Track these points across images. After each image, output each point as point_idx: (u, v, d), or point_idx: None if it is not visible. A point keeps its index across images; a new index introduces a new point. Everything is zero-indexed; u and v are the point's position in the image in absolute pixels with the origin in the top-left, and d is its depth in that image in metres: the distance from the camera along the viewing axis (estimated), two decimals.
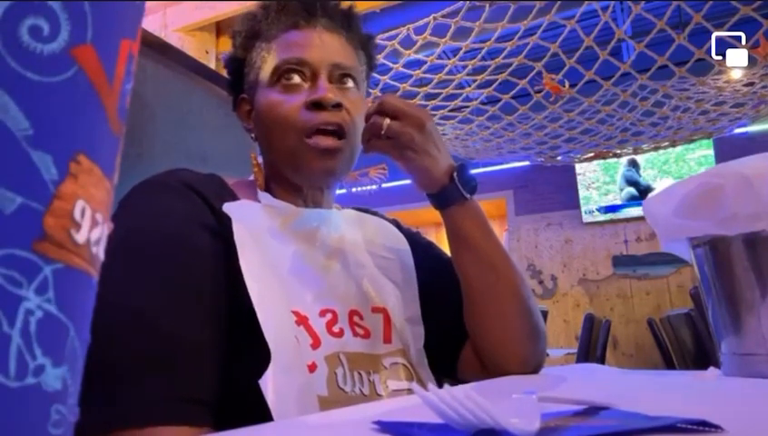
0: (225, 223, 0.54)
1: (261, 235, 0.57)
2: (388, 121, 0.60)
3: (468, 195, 0.64)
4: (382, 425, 0.32)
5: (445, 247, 0.72)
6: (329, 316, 0.59)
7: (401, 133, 0.60)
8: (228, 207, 0.55)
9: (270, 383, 0.47)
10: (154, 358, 0.44)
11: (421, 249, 0.75)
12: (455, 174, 0.63)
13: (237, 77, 0.69)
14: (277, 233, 0.60)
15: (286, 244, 0.60)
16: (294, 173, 0.63)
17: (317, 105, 0.60)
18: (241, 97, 0.69)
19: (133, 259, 0.48)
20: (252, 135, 0.68)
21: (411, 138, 0.61)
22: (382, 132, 0.60)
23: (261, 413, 0.45)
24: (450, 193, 0.64)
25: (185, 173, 0.58)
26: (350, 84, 0.64)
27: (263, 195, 0.63)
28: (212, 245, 0.52)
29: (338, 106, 0.61)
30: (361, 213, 0.75)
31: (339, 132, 0.61)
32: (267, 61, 0.64)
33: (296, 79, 0.62)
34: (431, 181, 0.63)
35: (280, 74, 0.62)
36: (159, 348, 0.44)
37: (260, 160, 0.69)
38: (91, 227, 0.17)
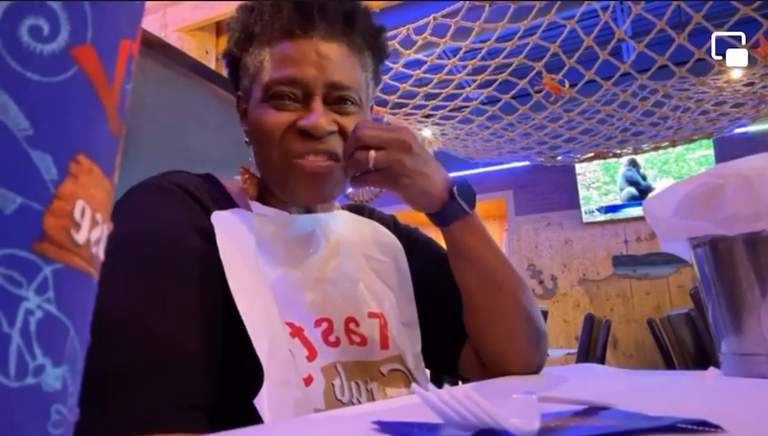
0: None
1: (253, 246, 0.56)
2: (372, 153, 0.55)
3: (470, 210, 0.62)
4: (382, 425, 0.32)
5: (444, 245, 0.71)
6: (324, 325, 0.58)
7: (391, 163, 0.56)
8: (216, 218, 0.53)
9: (265, 402, 0.46)
10: (151, 364, 0.44)
11: (420, 246, 0.74)
12: (455, 190, 0.61)
13: (232, 73, 0.66)
14: (269, 243, 0.58)
15: (279, 254, 0.58)
16: (281, 192, 0.62)
17: (308, 133, 0.57)
18: (239, 95, 0.66)
19: (129, 264, 0.47)
20: (246, 139, 0.65)
21: (402, 164, 0.57)
22: (370, 166, 0.56)
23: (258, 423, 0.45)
24: (452, 210, 0.61)
25: (181, 175, 0.57)
26: (348, 102, 0.60)
27: (255, 205, 0.62)
28: (208, 250, 0.51)
29: (330, 134, 0.58)
30: (355, 215, 0.73)
31: (330, 157, 0.59)
32: (260, 71, 0.60)
33: (287, 98, 0.58)
34: (431, 201, 0.61)
35: (271, 90, 0.58)
36: (155, 354, 0.44)
37: (251, 163, 0.67)
38: (91, 227, 0.17)
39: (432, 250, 0.75)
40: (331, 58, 0.58)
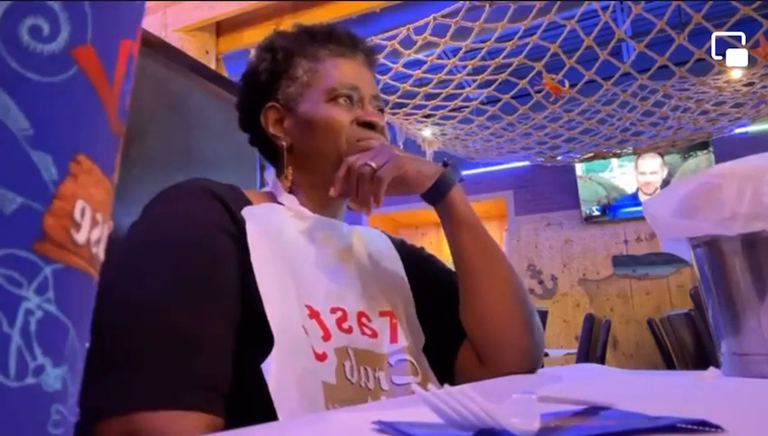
0: (243, 228, 0.57)
1: (281, 234, 0.61)
2: (373, 164, 0.63)
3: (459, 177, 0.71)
4: (382, 425, 0.32)
5: (444, 249, 0.73)
6: (339, 314, 0.62)
7: (388, 159, 0.64)
8: (248, 210, 0.59)
9: (272, 367, 0.49)
10: (173, 347, 0.47)
11: (423, 260, 0.80)
12: (443, 160, 0.71)
13: (269, 86, 0.72)
14: (295, 234, 0.64)
15: (303, 244, 0.64)
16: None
17: (369, 125, 0.69)
18: (270, 105, 0.72)
19: (159, 258, 0.52)
20: (283, 142, 0.71)
21: (395, 156, 0.65)
22: (374, 165, 0.63)
23: (264, 399, 0.47)
24: (450, 176, 0.69)
25: (207, 181, 0.62)
26: (381, 110, 0.74)
27: (289, 198, 0.68)
28: (231, 248, 0.56)
29: (382, 130, 0.71)
30: (364, 228, 0.79)
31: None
32: (317, 78, 0.71)
33: (347, 99, 0.70)
34: (423, 180, 0.68)
35: (336, 92, 0.69)
36: (180, 339, 0.47)
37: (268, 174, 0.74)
38: (91, 227, 0.17)
39: (433, 264, 0.81)
40: (371, 78, 0.75)
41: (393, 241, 0.82)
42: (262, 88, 0.73)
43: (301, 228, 0.65)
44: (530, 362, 0.67)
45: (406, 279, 0.75)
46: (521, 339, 0.67)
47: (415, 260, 0.78)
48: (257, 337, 0.51)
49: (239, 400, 0.49)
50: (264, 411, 0.46)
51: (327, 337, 0.58)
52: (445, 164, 0.71)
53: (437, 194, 0.69)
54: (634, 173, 4.96)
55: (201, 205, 0.58)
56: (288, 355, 0.51)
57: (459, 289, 0.70)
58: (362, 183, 0.63)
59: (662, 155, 4.77)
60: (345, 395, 0.55)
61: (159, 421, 0.43)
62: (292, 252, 0.61)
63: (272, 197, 0.70)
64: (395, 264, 0.76)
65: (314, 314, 0.59)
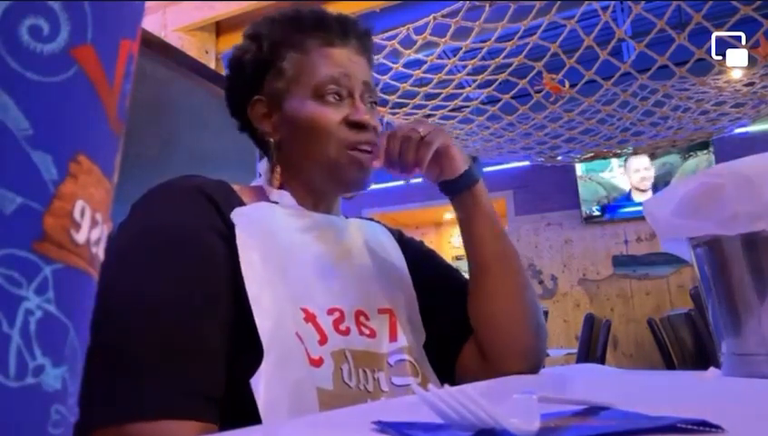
0: (233, 228, 0.56)
1: (273, 235, 0.59)
2: (420, 129, 0.64)
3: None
4: (382, 425, 0.32)
5: (444, 249, 0.73)
6: (336, 314, 0.60)
7: (435, 135, 0.65)
8: (237, 212, 0.57)
9: (261, 381, 0.48)
10: (168, 354, 0.46)
11: (423, 255, 0.78)
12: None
13: (255, 79, 0.69)
14: (289, 234, 0.62)
15: (298, 244, 0.62)
16: (329, 180, 0.67)
17: (359, 126, 0.65)
18: (257, 99, 0.69)
19: (150, 259, 0.51)
20: (271, 139, 0.68)
21: (440, 129, 0.66)
22: (422, 136, 0.64)
23: (255, 406, 0.47)
24: (477, 169, 0.69)
25: (197, 178, 0.60)
26: (375, 104, 0.70)
27: (282, 194, 0.65)
28: (222, 248, 0.54)
29: (375, 130, 0.67)
30: (363, 221, 0.78)
31: (372, 147, 0.67)
32: (304, 72, 0.66)
33: (335, 95, 0.66)
34: (460, 162, 0.68)
35: (323, 88, 0.65)
36: (173, 344, 0.47)
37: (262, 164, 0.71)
38: (91, 227, 0.17)
39: (434, 260, 0.79)
40: (362, 65, 0.70)
41: (392, 232, 0.80)
42: (248, 81, 0.69)
43: (295, 227, 0.63)
44: (533, 363, 0.67)
45: (407, 273, 0.73)
46: (527, 338, 0.66)
47: (414, 253, 0.77)
48: (249, 341, 0.50)
49: (230, 406, 0.48)
50: (256, 418, 0.46)
51: (323, 341, 0.57)
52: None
53: (463, 184, 0.68)
54: (628, 175, 4.96)
55: (192, 205, 0.56)
56: (280, 366, 0.50)
57: (471, 283, 0.69)
58: (408, 147, 0.64)
59: (651, 157, 4.77)
60: (343, 400, 0.54)
61: (155, 431, 0.43)
62: (286, 254, 0.59)
63: (263, 192, 0.67)
64: (396, 258, 0.74)
65: (310, 317, 0.57)
